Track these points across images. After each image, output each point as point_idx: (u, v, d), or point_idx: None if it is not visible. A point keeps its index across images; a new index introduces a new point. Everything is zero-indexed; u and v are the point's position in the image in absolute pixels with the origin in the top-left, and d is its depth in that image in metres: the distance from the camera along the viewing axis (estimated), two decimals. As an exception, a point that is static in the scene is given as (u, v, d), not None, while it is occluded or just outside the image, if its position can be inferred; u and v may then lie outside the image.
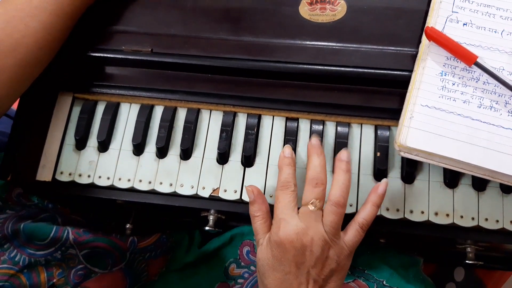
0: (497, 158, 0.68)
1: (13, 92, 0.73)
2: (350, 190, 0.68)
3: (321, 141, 0.76)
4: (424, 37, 0.74)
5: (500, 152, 0.68)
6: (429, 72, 0.73)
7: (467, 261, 0.81)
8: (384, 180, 0.70)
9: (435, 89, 0.72)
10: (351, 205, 0.74)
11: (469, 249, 0.81)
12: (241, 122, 0.79)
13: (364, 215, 0.68)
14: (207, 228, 0.79)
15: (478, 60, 0.70)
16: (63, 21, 0.76)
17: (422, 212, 0.73)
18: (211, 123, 0.80)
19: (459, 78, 0.72)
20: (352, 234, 0.67)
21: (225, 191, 0.76)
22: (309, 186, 0.67)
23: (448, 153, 0.68)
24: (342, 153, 0.70)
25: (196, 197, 0.77)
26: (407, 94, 0.73)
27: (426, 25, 0.75)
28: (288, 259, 0.64)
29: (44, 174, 0.79)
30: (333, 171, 0.74)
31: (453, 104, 0.71)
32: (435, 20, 0.75)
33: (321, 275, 0.65)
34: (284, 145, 0.77)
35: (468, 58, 0.71)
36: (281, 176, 0.69)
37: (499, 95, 0.70)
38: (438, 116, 0.70)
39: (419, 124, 0.70)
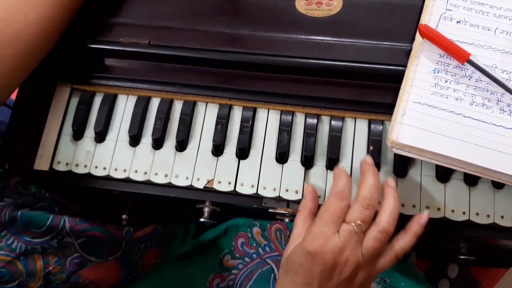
0: (488, 155, 0.68)
1: (12, 82, 0.74)
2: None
3: (315, 135, 0.77)
4: (417, 34, 0.75)
5: (492, 149, 0.68)
6: (422, 69, 0.73)
7: (459, 256, 0.82)
8: (426, 211, 0.70)
9: (427, 86, 0.72)
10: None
11: (462, 244, 0.82)
12: (237, 114, 0.80)
13: (403, 244, 0.67)
14: (202, 219, 0.80)
15: (471, 57, 0.71)
16: (62, 12, 0.77)
17: (414, 206, 0.74)
18: (206, 115, 0.81)
19: (452, 75, 0.73)
20: (386, 261, 0.66)
21: (220, 182, 0.77)
22: (359, 205, 0.65)
23: (440, 150, 0.69)
24: (390, 181, 0.70)
25: (190, 188, 0.78)
26: (400, 91, 0.73)
27: (419, 23, 0.75)
28: (314, 272, 0.63)
29: (41, 163, 0.80)
30: (328, 168, 0.77)
31: (445, 101, 0.71)
32: (429, 17, 0.75)
33: None
34: (278, 138, 0.78)
35: (461, 56, 0.71)
36: (339, 183, 0.67)
37: (491, 93, 0.71)
38: (430, 113, 0.71)
39: (411, 121, 0.71)
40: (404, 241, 0.67)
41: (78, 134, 0.81)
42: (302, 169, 0.77)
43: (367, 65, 0.76)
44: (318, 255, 0.63)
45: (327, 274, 0.63)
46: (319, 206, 0.70)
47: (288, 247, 0.70)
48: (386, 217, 0.65)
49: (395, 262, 0.67)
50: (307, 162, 0.77)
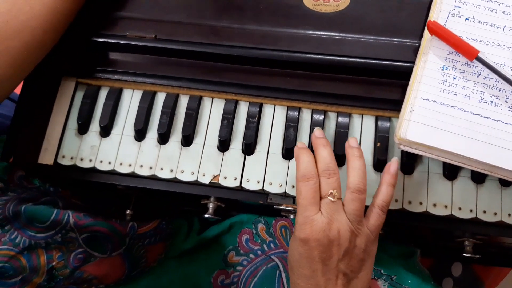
0: (496, 152, 0.68)
1: (18, 74, 0.74)
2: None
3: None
4: (426, 31, 0.75)
5: (500, 147, 0.68)
6: (430, 66, 0.73)
7: (464, 254, 0.82)
8: (394, 158, 0.70)
9: (436, 83, 0.72)
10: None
11: (467, 242, 0.82)
12: (243, 110, 0.80)
13: (382, 197, 0.68)
14: (206, 215, 0.80)
15: (479, 55, 0.70)
16: (68, 4, 0.77)
17: (421, 203, 0.73)
18: (212, 110, 0.81)
19: (460, 72, 0.72)
20: (374, 218, 0.67)
21: (225, 178, 0.77)
22: (323, 178, 0.67)
23: (447, 147, 0.68)
24: (351, 140, 0.71)
25: (196, 183, 0.78)
26: (408, 87, 0.73)
27: (428, 19, 0.75)
28: (314, 256, 0.64)
29: (46, 157, 0.80)
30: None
31: (453, 98, 0.71)
32: (438, 14, 0.75)
33: (349, 267, 0.65)
34: (285, 133, 0.78)
35: (469, 53, 0.71)
36: (300, 165, 0.68)
37: (499, 90, 0.71)
38: (439, 110, 0.70)
39: (419, 118, 0.70)
40: (382, 193, 0.68)
41: (83, 128, 0.81)
42: (309, 165, 0.77)
43: (374, 61, 0.76)
44: (311, 239, 0.64)
45: (327, 253, 0.64)
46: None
47: (289, 244, 0.70)
48: (354, 178, 0.66)
49: (385, 217, 0.68)
50: (314, 158, 0.76)
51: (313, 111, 0.79)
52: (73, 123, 0.81)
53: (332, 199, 0.65)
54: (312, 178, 0.67)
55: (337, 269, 0.64)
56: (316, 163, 0.69)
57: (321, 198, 0.66)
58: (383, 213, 0.67)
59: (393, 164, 0.69)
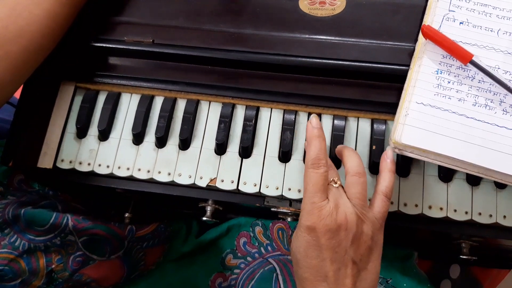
0: (491, 156, 0.68)
1: (17, 78, 0.74)
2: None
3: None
4: (420, 35, 0.75)
5: (494, 150, 0.68)
6: (425, 70, 0.73)
7: (461, 256, 0.82)
8: (388, 147, 0.71)
9: (430, 87, 0.72)
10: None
11: (463, 244, 0.82)
12: (240, 113, 0.81)
13: (385, 183, 0.67)
14: (204, 218, 0.80)
15: (473, 58, 0.71)
16: (67, 9, 0.77)
17: (416, 205, 0.74)
18: (210, 114, 0.81)
19: (455, 76, 0.73)
20: (379, 205, 0.67)
21: (222, 181, 0.77)
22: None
23: (442, 151, 0.69)
24: (340, 146, 0.73)
25: (193, 186, 0.78)
26: (403, 91, 0.74)
27: (422, 23, 0.76)
28: (323, 244, 0.62)
29: (45, 161, 0.80)
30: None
31: (448, 102, 0.71)
32: (432, 18, 0.76)
33: (358, 254, 0.63)
34: (281, 137, 0.78)
35: (463, 57, 0.71)
36: (310, 151, 0.68)
37: (494, 94, 0.71)
38: (433, 114, 0.71)
39: (414, 122, 0.71)
40: (384, 180, 0.68)
41: (81, 132, 0.81)
42: (305, 168, 0.77)
43: (370, 65, 0.77)
44: (319, 225, 0.62)
45: (335, 239, 0.62)
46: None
47: (292, 242, 0.68)
48: (351, 163, 0.68)
49: (389, 204, 0.68)
50: (310, 161, 0.77)
51: (309, 114, 0.79)
52: (72, 127, 0.82)
53: (335, 185, 0.66)
54: (322, 165, 0.66)
55: (346, 257, 0.62)
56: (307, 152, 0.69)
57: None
58: (387, 199, 0.67)
59: (389, 151, 0.70)
